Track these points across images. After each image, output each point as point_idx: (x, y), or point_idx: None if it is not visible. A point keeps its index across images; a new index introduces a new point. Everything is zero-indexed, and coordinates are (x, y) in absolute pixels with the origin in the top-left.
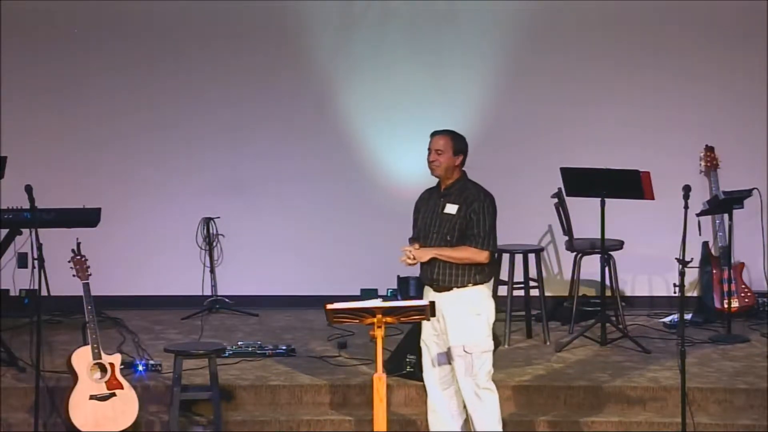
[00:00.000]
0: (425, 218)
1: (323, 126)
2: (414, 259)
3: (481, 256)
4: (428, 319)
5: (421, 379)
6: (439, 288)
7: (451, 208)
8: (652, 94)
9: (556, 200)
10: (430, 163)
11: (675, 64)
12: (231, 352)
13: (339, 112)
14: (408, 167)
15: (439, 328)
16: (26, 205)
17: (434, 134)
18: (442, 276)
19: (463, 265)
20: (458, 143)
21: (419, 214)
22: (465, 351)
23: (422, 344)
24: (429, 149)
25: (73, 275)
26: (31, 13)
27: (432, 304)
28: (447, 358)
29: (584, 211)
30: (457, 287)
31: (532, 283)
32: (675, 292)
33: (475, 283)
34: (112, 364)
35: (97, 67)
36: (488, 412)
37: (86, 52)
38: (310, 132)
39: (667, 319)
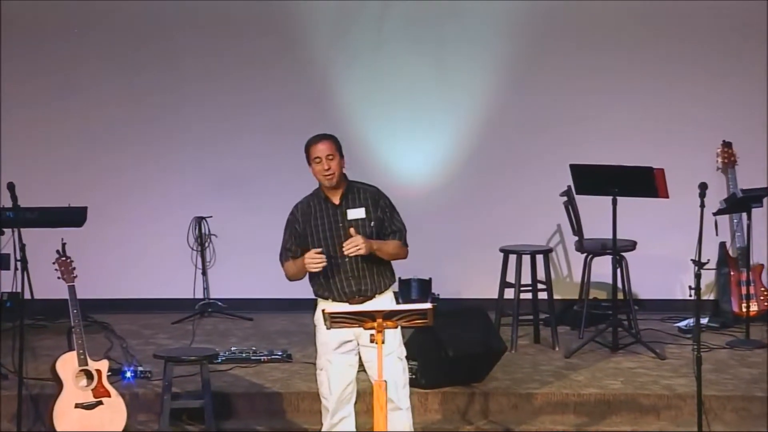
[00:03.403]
0: (322, 232)
1: (321, 122)
2: (356, 247)
3: (405, 251)
4: (431, 324)
5: (425, 386)
6: (362, 299)
7: (358, 213)
8: (666, 88)
9: (565, 199)
10: (324, 172)
11: (690, 56)
12: (224, 358)
13: (337, 107)
14: (409, 165)
15: (352, 343)
16: (8, 204)
17: (318, 140)
18: (365, 285)
19: (378, 268)
20: (340, 145)
21: (309, 230)
22: (398, 358)
23: (326, 364)
24: (318, 158)
25: (58, 277)
26: (14, 10)
27: (434, 307)
28: (352, 374)
29: (595, 210)
30: (378, 294)
31: (540, 286)
32: (690, 295)
33: (388, 288)
34: (98, 371)
35: (83, 61)
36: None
37: (72, 46)
38: (307, 128)
39: (682, 324)
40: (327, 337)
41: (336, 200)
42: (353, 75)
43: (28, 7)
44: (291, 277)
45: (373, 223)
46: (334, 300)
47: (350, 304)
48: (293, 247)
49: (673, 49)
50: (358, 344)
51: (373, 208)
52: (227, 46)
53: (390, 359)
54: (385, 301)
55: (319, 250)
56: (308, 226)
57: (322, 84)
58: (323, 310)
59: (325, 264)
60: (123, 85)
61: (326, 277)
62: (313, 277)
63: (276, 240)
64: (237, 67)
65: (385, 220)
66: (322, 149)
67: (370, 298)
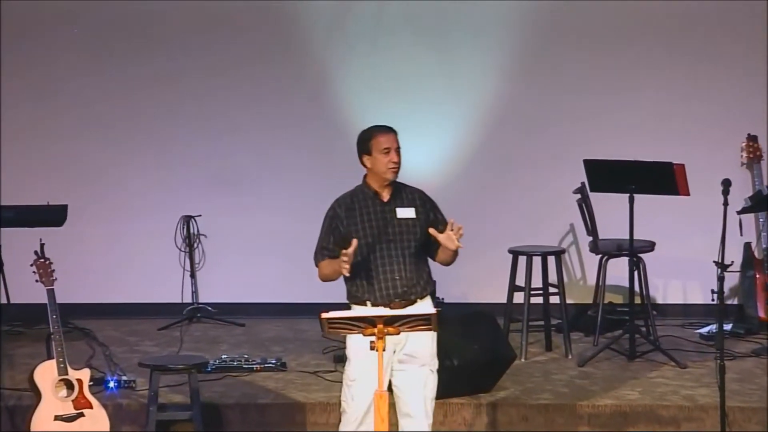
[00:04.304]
0: (369, 230)
1: (317, 115)
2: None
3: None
4: (435, 330)
5: None
6: (405, 303)
7: (408, 212)
8: (686, 79)
9: (578, 196)
10: (392, 164)
11: (709, 49)
12: (214, 367)
13: (334, 100)
14: (411, 162)
15: (388, 353)
16: None
17: (387, 130)
18: (411, 288)
19: (425, 270)
20: None
21: (353, 227)
22: (431, 371)
23: (363, 375)
24: (387, 149)
25: (36, 280)
26: None
27: (439, 313)
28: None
29: (610, 209)
30: (420, 298)
31: (552, 289)
32: (713, 300)
33: (428, 293)
34: (79, 381)
35: (64, 51)
36: None
37: (52, 36)
38: (302, 122)
39: (704, 330)
40: (367, 344)
41: (385, 197)
42: (351, 68)
43: (9, 2)
44: (326, 278)
45: (420, 226)
46: (373, 304)
47: (391, 308)
48: (331, 245)
49: (691, 43)
50: (394, 353)
51: (423, 209)
52: (218, 39)
53: (423, 372)
54: (426, 307)
55: (352, 251)
56: (352, 224)
57: (319, 78)
58: (319, 315)
59: (348, 267)
60: (106, 77)
61: (369, 278)
62: (353, 278)
63: (268, 241)
64: (229, 60)
65: (439, 222)
66: (392, 140)
67: (412, 302)
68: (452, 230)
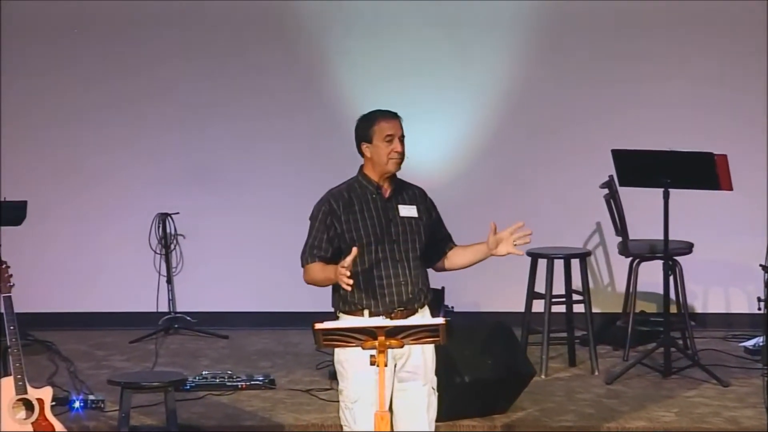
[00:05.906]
0: (371, 227)
1: (310, 104)
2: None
3: None
4: (443, 343)
5: (436, 418)
6: (407, 312)
7: (410, 210)
8: (724, 65)
9: (606, 192)
10: (395, 155)
11: (751, 30)
12: (194, 384)
13: (329, 87)
14: (418, 155)
15: (391, 367)
16: None
17: (392, 116)
18: (414, 294)
19: (426, 275)
20: None
21: (350, 225)
22: (433, 389)
23: (365, 395)
24: (390, 136)
25: None
26: None
27: (448, 323)
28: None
29: (642, 206)
30: (421, 307)
31: (576, 297)
32: (759, 309)
33: (428, 302)
34: (40, 400)
35: (28, 39)
36: None
37: (17, 24)
38: (293, 111)
39: (749, 343)
40: (366, 357)
41: (386, 192)
42: (349, 51)
43: None
44: (314, 283)
45: (423, 224)
46: (372, 313)
47: (392, 318)
48: (325, 245)
49: (732, 24)
50: (395, 367)
51: (424, 207)
52: (196, 19)
53: (426, 391)
54: (426, 317)
55: (351, 261)
56: (351, 221)
57: (312, 62)
58: (313, 326)
59: (350, 282)
60: (73, 61)
61: (370, 284)
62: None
63: (254, 242)
64: (209, 42)
65: (438, 220)
66: (396, 126)
67: (413, 312)
68: (512, 233)
